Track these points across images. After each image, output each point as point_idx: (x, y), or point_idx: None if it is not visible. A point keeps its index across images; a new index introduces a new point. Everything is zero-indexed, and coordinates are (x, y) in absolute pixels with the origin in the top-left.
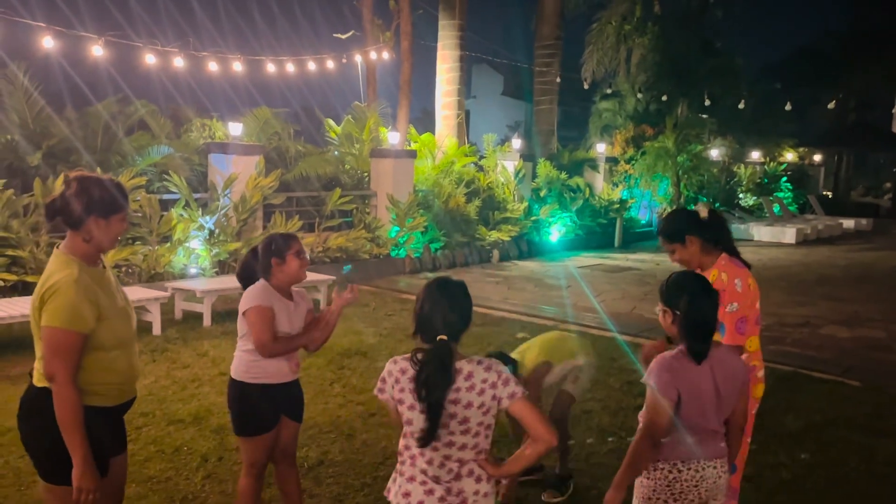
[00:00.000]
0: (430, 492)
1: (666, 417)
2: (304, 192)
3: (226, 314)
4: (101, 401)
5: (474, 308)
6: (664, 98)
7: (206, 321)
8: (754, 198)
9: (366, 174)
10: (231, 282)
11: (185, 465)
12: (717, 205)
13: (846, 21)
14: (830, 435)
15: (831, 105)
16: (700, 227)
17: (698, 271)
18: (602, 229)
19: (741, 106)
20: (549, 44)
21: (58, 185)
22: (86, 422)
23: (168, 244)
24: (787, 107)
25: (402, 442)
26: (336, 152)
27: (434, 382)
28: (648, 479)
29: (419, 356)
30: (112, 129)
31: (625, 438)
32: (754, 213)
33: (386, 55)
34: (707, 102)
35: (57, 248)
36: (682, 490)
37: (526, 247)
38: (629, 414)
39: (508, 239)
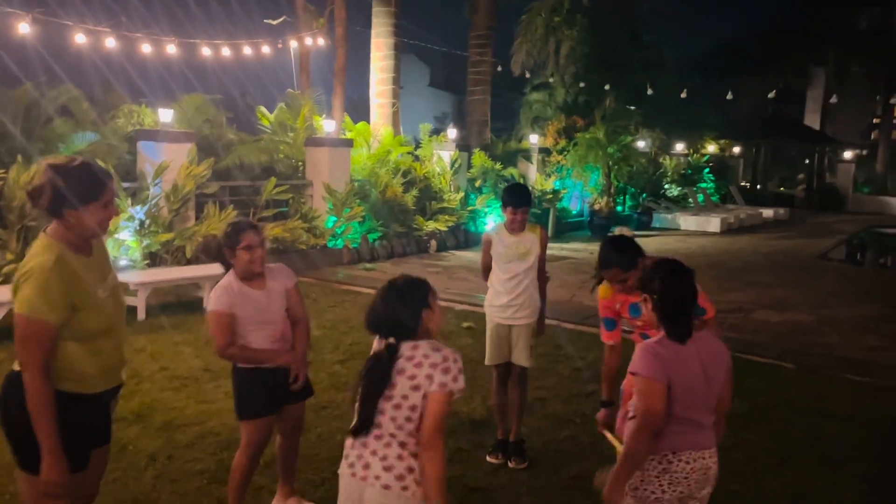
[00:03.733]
0: (346, 455)
1: (661, 403)
2: (237, 182)
3: (160, 308)
4: (79, 387)
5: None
6: (592, 89)
7: (141, 315)
8: (679, 188)
9: (301, 163)
10: (164, 274)
11: (132, 465)
12: (643, 195)
13: (766, 19)
14: (775, 416)
15: (750, 98)
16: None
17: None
18: (536, 219)
19: (667, 98)
20: (481, 34)
21: None
22: (65, 408)
23: None
24: (709, 100)
25: None
26: (270, 140)
27: (368, 383)
28: (638, 469)
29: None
30: (34, 113)
31: (581, 425)
32: (679, 203)
33: (321, 41)
34: (636, 95)
35: (44, 231)
36: (672, 481)
37: (463, 237)
38: (581, 401)
39: (446, 229)
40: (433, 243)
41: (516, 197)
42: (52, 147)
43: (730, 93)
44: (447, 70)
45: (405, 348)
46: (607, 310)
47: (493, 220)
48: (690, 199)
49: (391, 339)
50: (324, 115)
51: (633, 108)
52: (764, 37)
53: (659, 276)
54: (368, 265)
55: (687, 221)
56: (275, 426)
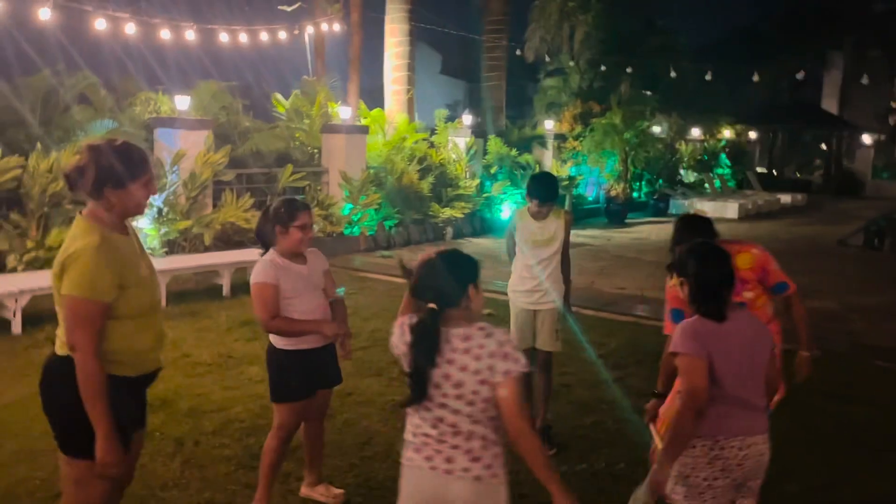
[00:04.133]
0: (417, 449)
1: (704, 380)
2: (255, 169)
3: (180, 295)
4: (123, 370)
5: None
6: (608, 75)
7: (161, 302)
8: (695, 174)
9: (316, 150)
10: (184, 261)
11: (160, 451)
12: (660, 181)
13: (782, 3)
14: (805, 403)
15: (766, 84)
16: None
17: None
18: None
19: (682, 84)
20: (497, 19)
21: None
22: (111, 391)
23: None
24: (725, 85)
25: None
26: (286, 127)
27: (418, 352)
28: (686, 456)
29: (411, 324)
30: (52, 101)
31: (607, 411)
32: (696, 189)
33: (337, 27)
34: (651, 80)
35: (80, 213)
36: (725, 468)
37: (479, 224)
38: (608, 387)
39: (462, 216)
40: (449, 230)
41: (543, 191)
42: (70, 135)
43: (756, 75)
44: (459, 57)
45: (456, 339)
46: (677, 300)
47: (509, 207)
48: (707, 185)
49: (432, 305)
50: (339, 102)
51: (648, 93)
52: (780, 21)
53: (694, 260)
54: (385, 252)
55: (704, 207)
56: None
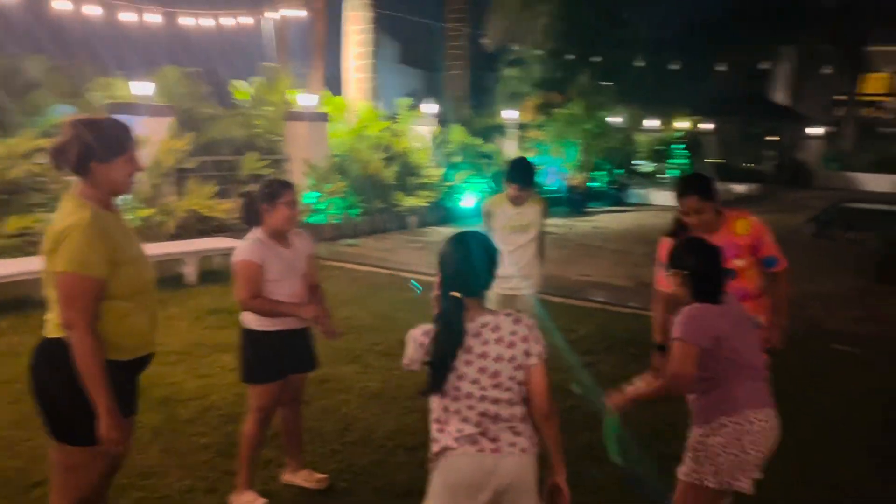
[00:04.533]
0: (460, 444)
1: (691, 369)
2: (218, 157)
3: None
4: (117, 354)
5: (403, 274)
6: (569, 65)
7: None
8: (652, 164)
9: (279, 138)
10: (147, 250)
11: (137, 440)
12: (620, 171)
13: None
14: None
15: (721, 76)
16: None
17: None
18: None
19: (641, 75)
20: (459, 7)
21: None
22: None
23: None
24: (681, 77)
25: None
26: (248, 115)
27: (443, 339)
28: (717, 435)
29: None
30: (8, 85)
31: (583, 395)
32: (652, 178)
33: (300, 14)
34: (612, 71)
35: (70, 193)
36: (754, 441)
37: (443, 213)
38: (581, 372)
39: (426, 205)
40: (413, 219)
41: (523, 176)
42: (27, 120)
43: (713, 67)
44: (418, 46)
45: (486, 330)
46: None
47: (472, 196)
48: (664, 175)
49: (456, 294)
50: (302, 90)
51: (609, 84)
52: (735, 15)
53: (692, 254)
54: (351, 241)
55: (660, 196)
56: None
